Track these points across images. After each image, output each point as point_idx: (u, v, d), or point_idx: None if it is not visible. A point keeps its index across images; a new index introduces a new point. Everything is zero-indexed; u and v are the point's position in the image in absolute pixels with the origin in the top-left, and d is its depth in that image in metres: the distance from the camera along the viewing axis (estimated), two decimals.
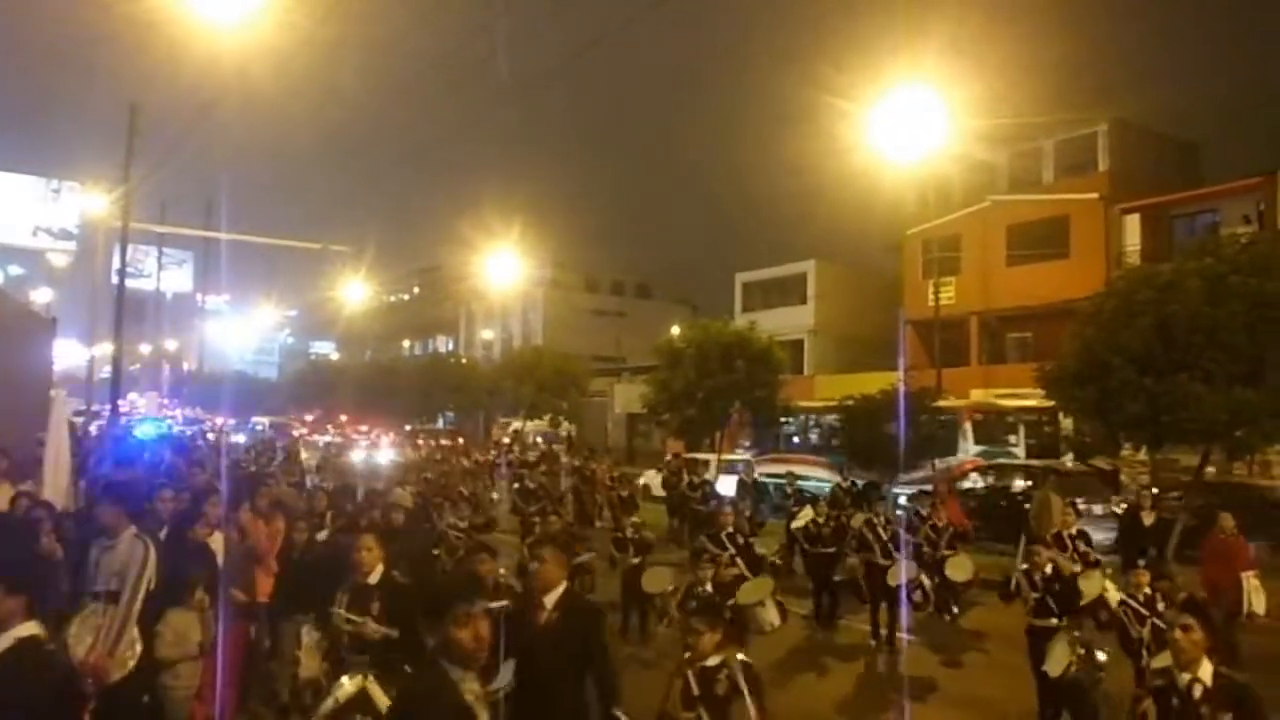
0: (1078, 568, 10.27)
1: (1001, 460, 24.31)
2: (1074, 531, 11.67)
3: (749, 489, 21.29)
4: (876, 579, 11.96)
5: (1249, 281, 15.00)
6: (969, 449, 26.35)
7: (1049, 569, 9.07)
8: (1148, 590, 8.44)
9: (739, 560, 10.46)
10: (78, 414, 39.20)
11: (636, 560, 12.17)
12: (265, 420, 52.49)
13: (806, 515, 14.19)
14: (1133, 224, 32.64)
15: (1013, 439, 26.91)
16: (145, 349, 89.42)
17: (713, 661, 5.26)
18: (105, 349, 46.12)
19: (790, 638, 11.71)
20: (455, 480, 19.91)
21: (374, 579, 6.04)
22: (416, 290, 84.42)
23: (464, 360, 57.47)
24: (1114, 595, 8.91)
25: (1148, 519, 14.14)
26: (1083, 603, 8.86)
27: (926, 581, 11.72)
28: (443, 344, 75.01)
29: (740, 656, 5.29)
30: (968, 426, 27.17)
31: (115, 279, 30.36)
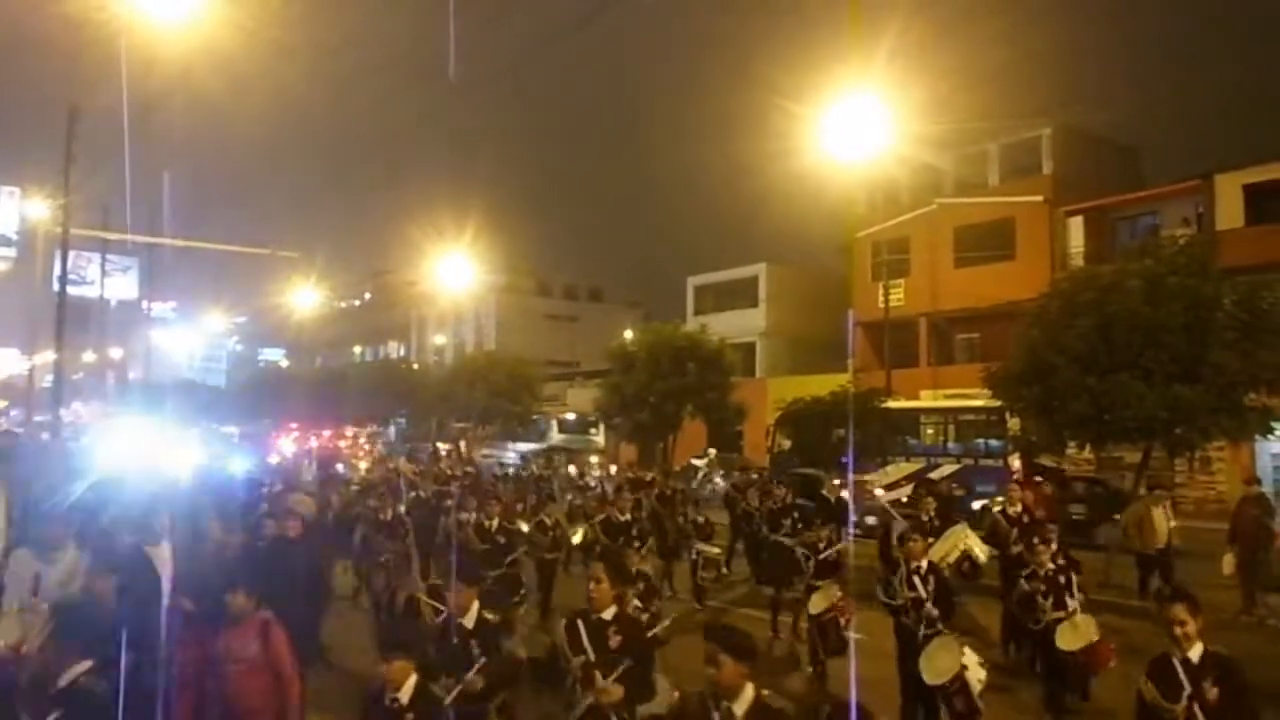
0: None
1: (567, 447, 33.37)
2: None
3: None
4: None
5: (1187, 283, 15.42)
6: (553, 437, 38.65)
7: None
8: None
9: None
10: (18, 426, 38.38)
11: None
12: (234, 430, 51.24)
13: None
14: (1076, 226, 33.20)
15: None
16: (89, 357, 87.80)
17: None
18: (47, 358, 45.20)
19: None
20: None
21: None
22: (368, 296, 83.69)
23: (415, 366, 57.03)
24: None
25: None
26: None
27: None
28: (394, 350, 74.40)
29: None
30: (553, 422, 41.77)
31: (57, 286, 29.69)
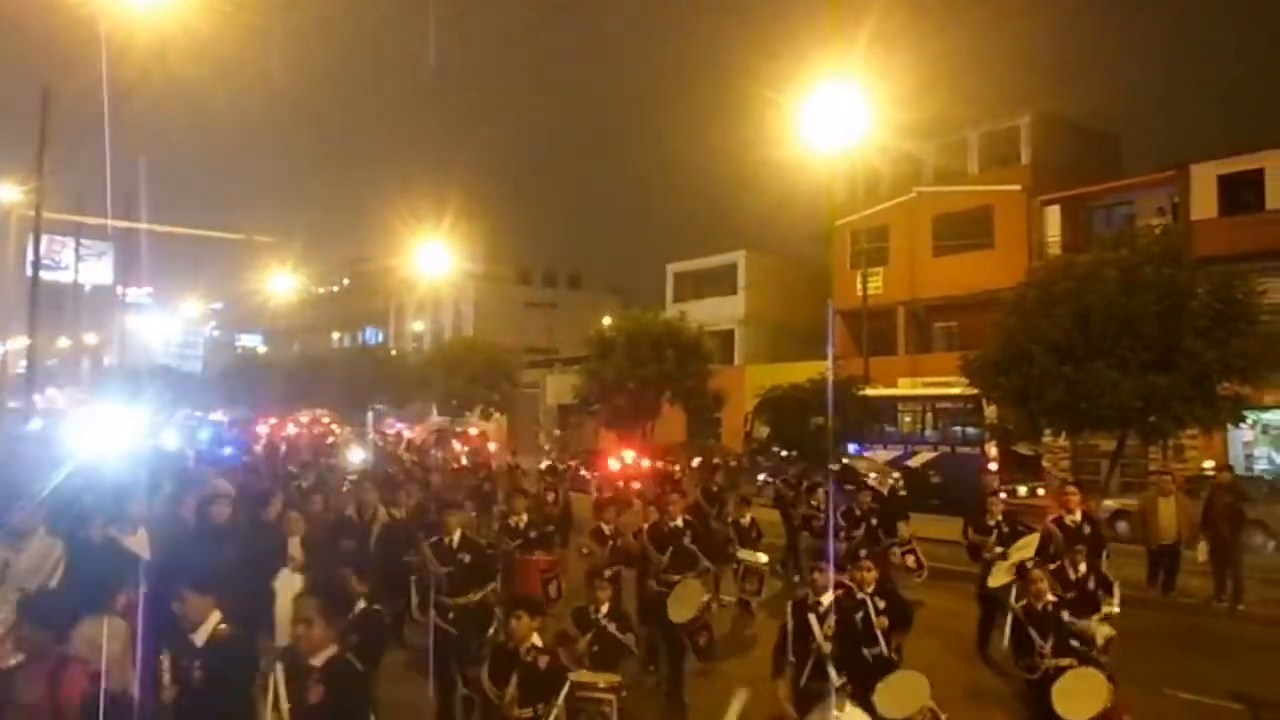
0: None
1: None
2: None
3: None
4: None
5: (1161, 272, 15.55)
6: (433, 419, 41.72)
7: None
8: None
9: None
10: None
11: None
12: (223, 416, 50.55)
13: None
14: (1054, 215, 33.36)
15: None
16: (64, 343, 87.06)
17: None
18: (20, 343, 44.83)
19: None
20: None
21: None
22: (346, 282, 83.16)
23: (394, 352, 56.79)
24: None
25: None
26: None
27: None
28: (373, 336, 74.01)
29: None
30: (433, 404, 42.70)
31: (30, 271, 29.40)
